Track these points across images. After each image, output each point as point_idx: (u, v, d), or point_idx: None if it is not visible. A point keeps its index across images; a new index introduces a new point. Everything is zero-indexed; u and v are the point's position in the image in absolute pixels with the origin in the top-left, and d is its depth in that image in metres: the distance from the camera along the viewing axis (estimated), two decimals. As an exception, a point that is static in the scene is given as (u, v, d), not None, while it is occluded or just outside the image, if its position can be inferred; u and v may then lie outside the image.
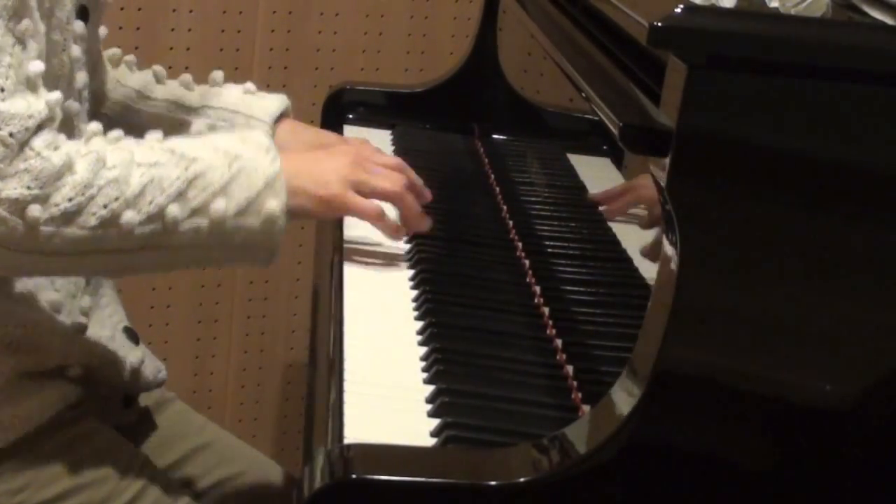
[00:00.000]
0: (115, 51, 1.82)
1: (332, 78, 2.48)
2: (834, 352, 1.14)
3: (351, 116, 2.21)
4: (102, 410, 1.61)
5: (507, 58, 2.19)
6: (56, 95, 1.41)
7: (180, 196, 1.40)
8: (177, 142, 1.46)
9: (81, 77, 1.55)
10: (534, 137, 2.07)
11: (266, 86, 2.52)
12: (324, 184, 1.51)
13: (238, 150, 1.45)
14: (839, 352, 1.14)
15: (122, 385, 1.63)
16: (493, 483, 1.13)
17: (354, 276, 1.58)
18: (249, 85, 1.83)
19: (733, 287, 1.12)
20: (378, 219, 1.56)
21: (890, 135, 1.10)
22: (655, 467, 1.15)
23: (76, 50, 1.51)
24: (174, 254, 1.43)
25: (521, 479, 1.13)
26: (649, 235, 1.39)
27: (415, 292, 1.55)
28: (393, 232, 1.61)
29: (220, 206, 1.41)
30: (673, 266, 1.11)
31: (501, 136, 2.16)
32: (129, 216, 1.38)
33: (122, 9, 2.39)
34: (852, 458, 1.16)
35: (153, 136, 1.48)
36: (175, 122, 1.78)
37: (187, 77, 1.82)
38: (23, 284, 1.50)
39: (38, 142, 1.36)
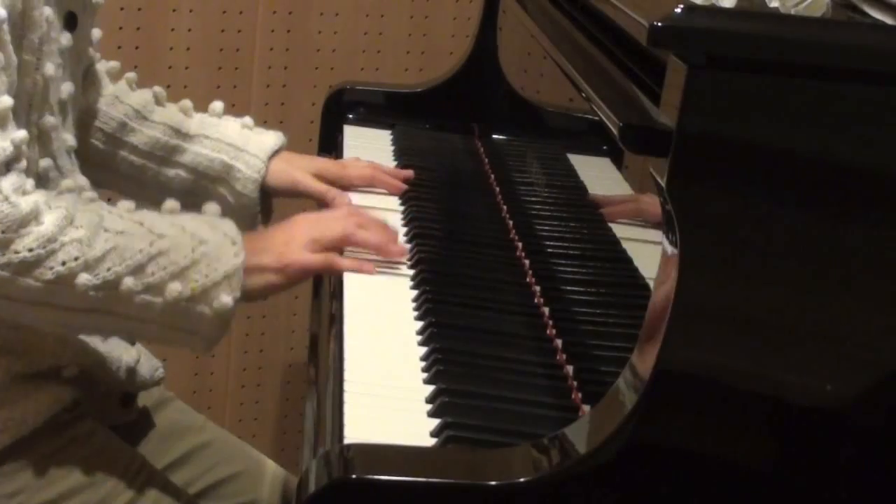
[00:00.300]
0: (115, 65, 1.82)
1: (332, 78, 2.48)
2: (834, 352, 1.14)
3: (351, 116, 2.21)
4: (100, 410, 1.61)
5: (507, 58, 2.19)
6: (21, 134, 1.40)
7: (139, 269, 1.41)
8: (147, 215, 1.47)
9: (66, 87, 1.54)
10: (534, 137, 2.07)
11: (266, 86, 2.54)
12: (280, 255, 1.52)
13: (205, 235, 1.45)
14: (839, 352, 1.14)
15: (119, 384, 1.63)
16: (493, 483, 1.13)
17: (354, 276, 1.58)
18: (248, 119, 1.85)
19: (733, 287, 1.12)
20: (330, 268, 1.57)
21: (890, 135, 1.10)
22: (655, 467, 1.15)
23: (50, 68, 1.49)
24: (120, 322, 1.44)
25: (521, 479, 1.13)
26: (650, 236, 1.39)
27: (415, 292, 1.55)
28: (398, 255, 1.62)
29: (176, 287, 1.42)
30: (673, 266, 1.11)
31: (501, 136, 2.16)
32: (85, 279, 1.38)
33: (121, 9, 2.40)
34: (852, 458, 1.16)
35: (125, 205, 1.48)
36: (169, 147, 1.79)
37: (187, 103, 1.84)
38: None
39: (6, 184, 1.36)
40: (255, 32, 2.52)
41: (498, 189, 1.93)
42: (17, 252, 1.36)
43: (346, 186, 1.86)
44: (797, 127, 1.10)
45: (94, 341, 1.58)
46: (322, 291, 1.65)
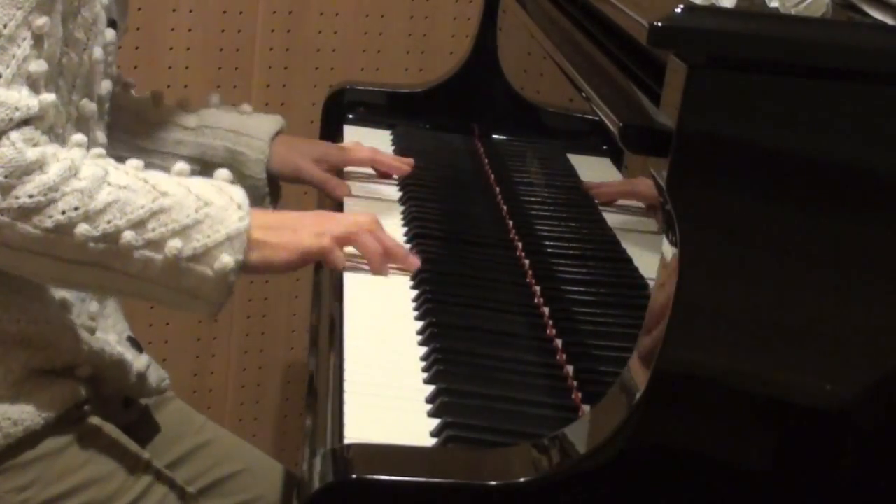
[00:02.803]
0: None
1: (332, 78, 2.48)
2: (834, 351, 1.14)
3: (351, 116, 2.21)
4: (103, 410, 1.61)
5: (507, 58, 2.19)
6: (51, 97, 1.42)
7: (140, 224, 1.40)
8: (153, 174, 1.46)
9: (105, 85, 1.57)
10: (534, 137, 2.07)
11: (266, 86, 2.54)
12: (286, 236, 1.51)
13: (211, 197, 1.45)
14: (839, 351, 1.14)
15: (126, 388, 1.63)
16: (493, 483, 1.13)
17: (354, 276, 1.58)
18: (246, 106, 1.87)
19: (733, 287, 1.12)
20: (326, 256, 1.55)
21: (890, 135, 1.10)
22: (655, 467, 1.15)
23: (98, 52, 1.53)
24: (121, 280, 1.43)
25: (521, 479, 1.13)
26: (649, 238, 1.39)
27: (415, 292, 1.55)
28: (410, 266, 1.59)
29: (176, 245, 1.41)
30: (673, 266, 1.11)
31: (501, 136, 2.16)
32: (84, 229, 1.38)
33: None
34: (853, 457, 1.16)
35: (133, 163, 1.48)
36: (171, 142, 1.81)
37: (186, 98, 1.86)
38: (35, 282, 1.50)
39: (16, 134, 1.37)
40: (255, 32, 2.52)
41: (498, 189, 1.93)
42: (17, 197, 1.37)
43: (347, 164, 1.90)
44: (797, 127, 1.10)
45: (110, 343, 1.58)
46: (322, 291, 1.65)
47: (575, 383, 1.37)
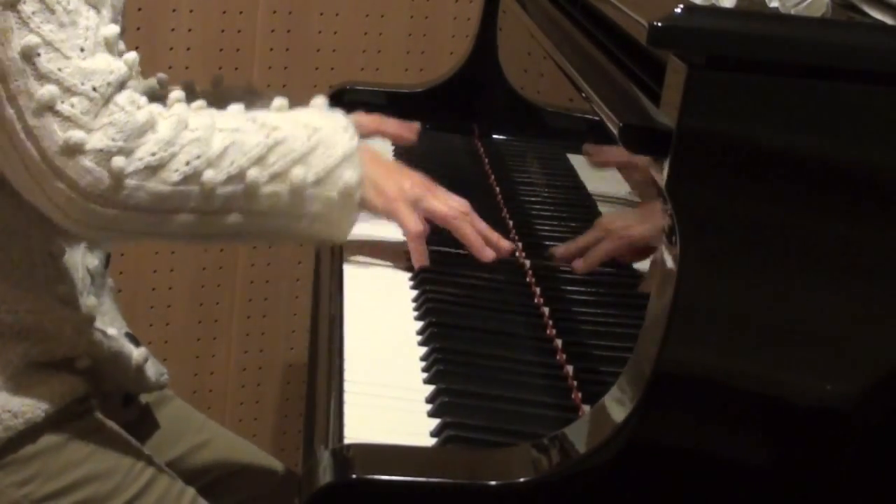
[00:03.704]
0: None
1: (332, 78, 2.48)
2: (834, 351, 1.14)
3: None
4: (104, 408, 1.61)
5: (507, 58, 2.19)
6: (133, 55, 1.47)
7: (261, 160, 1.45)
8: (258, 113, 1.51)
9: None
10: (534, 137, 2.07)
11: (266, 86, 2.54)
12: (389, 183, 1.55)
13: (318, 123, 1.51)
14: (839, 351, 1.14)
15: (125, 382, 1.64)
16: (493, 483, 1.13)
17: (354, 276, 1.58)
18: (249, 85, 1.89)
19: (733, 287, 1.12)
20: (415, 237, 1.57)
21: (890, 135, 1.10)
22: (655, 467, 1.15)
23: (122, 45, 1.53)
24: (255, 220, 1.47)
25: (521, 479, 1.13)
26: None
27: (415, 292, 1.55)
28: (419, 259, 1.60)
29: (299, 173, 1.46)
30: (673, 266, 1.11)
31: (501, 136, 2.16)
32: (211, 175, 1.42)
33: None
34: (853, 457, 1.16)
35: (235, 108, 1.53)
36: None
37: (190, 82, 1.86)
38: (33, 274, 1.52)
39: (122, 98, 1.41)
40: (255, 32, 2.52)
41: (498, 189, 1.93)
42: (140, 158, 1.40)
43: None
44: (797, 127, 1.10)
45: (108, 335, 1.59)
46: (322, 291, 1.65)
47: (575, 383, 1.37)
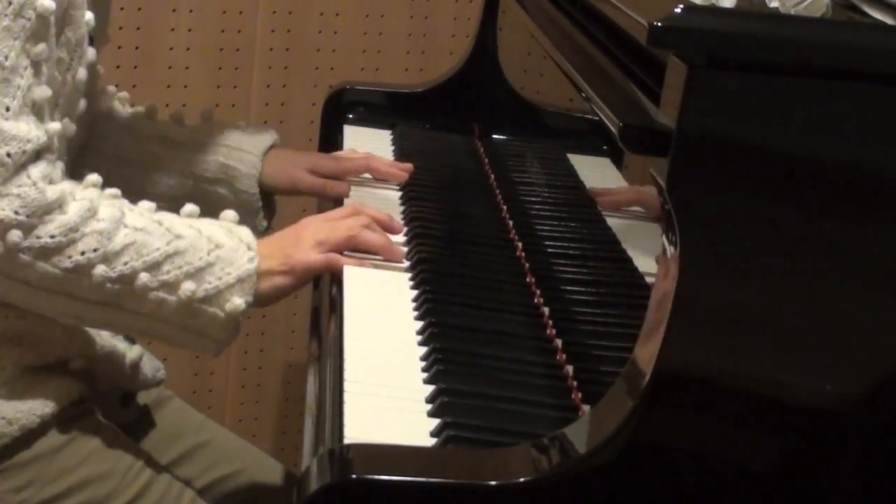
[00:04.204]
0: (111, 88, 1.86)
1: (332, 78, 2.48)
2: (834, 352, 1.14)
3: (351, 116, 2.21)
4: (101, 409, 1.61)
5: (507, 58, 2.19)
6: (56, 126, 1.45)
7: (155, 267, 1.44)
8: (166, 216, 1.50)
9: (82, 104, 1.58)
10: (534, 137, 2.07)
11: (266, 86, 2.54)
12: (287, 257, 1.54)
13: (221, 239, 1.49)
14: (839, 352, 1.14)
15: (121, 381, 1.64)
16: (493, 483, 1.13)
17: (354, 276, 1.58)
18: (240, 122, 1.88)
19: (733, 287, 1.12)
20: (332, 268, 1.58)
21: (890, 135, 1.10)
22: (655, 467, 1.15)
23: (82, 73, 1.54)
24: (133, 319, 1.47)
25: (521, 479, 1.13)
26: (650, 237, 1.39)
27: (415, 292, 1.55)
28: (395, 257, 1.63)
29: (189, 287, 1.45)
30: (673, 266, 1.11)
31: (501, 136, 2.16)
32: (102, 270, 1.42)
33: (121, 9, 2.39)
34: (852, 457, 1.16)
35: (146, 205, 1.51)
36: (164, 157, 1.82)
37: (179, 112, 1.87)
38: None
39: (36, 172, 1.40)
40: (255, 32, 2.52)
41: (498, 189, 1.93)
42: (38, 237, 1.40)
43: (342, 178, 1.88)
44: (797, 127, 1.10)
45: (101, 334, 1.59)
46: (322, 291, 1.65)
47: (575, 383, 1.37)
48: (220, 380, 2.67)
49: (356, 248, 1.60)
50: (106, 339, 1.60)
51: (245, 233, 1.51)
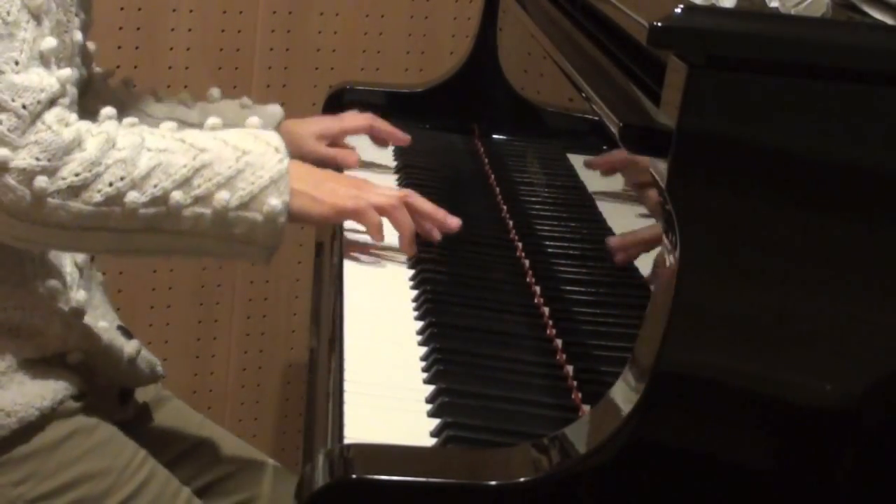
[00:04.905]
0: (104, 69, 1.86)
1: (332, 78, 2.48)
2: (834, 351, 1.14)
3: (351, 116, 2.20)
4: (100, 406, 1.61)
5: (507, 58, 2.18)
6: (67, 72, 1.46)
7: (185, 183, 1.44)
8: (188, 132, 1.50)
9: (74, 73, 1.57)
10: (534, 137, 2.07)
11: (266, 86, 2.54)
12: (324, 190, 1.54)
13: (248, 146, 1.49)
14: (839, 351, 1.14)
15: (119, 376, 1.64)
16: (493, 483, 1.13)
17: (354, 276, 1.58)
18: (245, 99, 1.89)
19: (733, 287, 1.12)
20: (361, 216, 1.57)
21: (890, 135, 1.10)
22: (655, 467, 1.15)
23: (78, 35, 1.55)
24: (175, 239, 1.47)
25: (521, 479, 1.13)
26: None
27: (415, 292, 1.55)
28: (375, 234, 1.62)
29: (223, 196, 1.45)
30: (673, 266, 1.11)
31: (501, 136, 2.16)
32: (134, 196, 1.42)
33: (121, 9, 2.40)
34: (853, 457, 1.16)
35: (167, 126, 1.52)
36: None
37: (185, 95, 1.88)
38: (20, 271, 1.52)
39: (50, 116, 1.41)
40: (255, 32, 2.52)
41: (498, 189, 1.93)
42: (63, 178, 1.41)
43: (345, 135, 1.92)
44: (797, 127, 1.10)
45: (99, 328, 1.60)
46: (322, 291, 1.65)
47: (575, 383, 1.37)
48: (220, 380, 2.67)
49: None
50: (104, 333, 1.60)
51: (272, 136, 1.52)
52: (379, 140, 1.98)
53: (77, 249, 1.50)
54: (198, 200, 1.45)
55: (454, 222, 1.62)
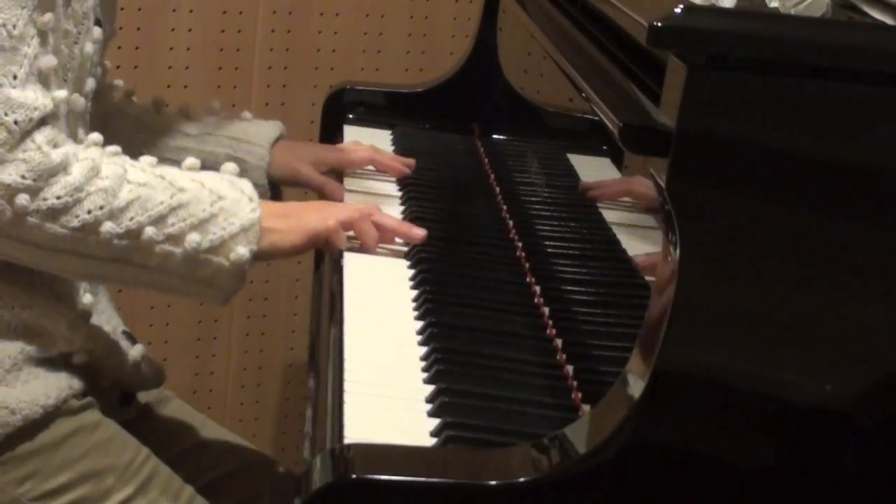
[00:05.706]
0: (117, 83, 1.87)
1: (332, 78, 2.48)
2: (834, 352, 1.14)
3: (351, 116, 2.21)
4: (102, 406, 1.61)
5: (507, 58, 2.19)
6: (63, 94, 1.48)
7: (161, 220, 1.46)
8: (168, 170, 1.52)
9: (90, 83, 1.60)
10: (534, 137, 2.07)
11: (266, 86, 2.54)
12: (291, 222, 1.56)
13: (223, 191, 1.51)
14: (839, 352, 1.14)
15: (122, 379, 1.65)
16: (493, 483, 1.13)
17: (354, 276, 1.58)
18: (246, 113, 1.91)
19: (733, 287, 1.12)
20: (332, 236, 1.59)
21: (890, 135, 1.10)
22: (655, 467, 1.15)
23: (89, 47, 1.55)
24: (140, 273, 1.49)
25: (521, 479, 1.13)
26: (649, 237, 1.39)
27: (415, 292, 1.55)
28: (413, 237, 1.65)
29: (194, 238, 1.47)
30: (673, 266, 1.11)
31: (501, 136, 2.16)
32: (109, 227, 1.44)
33: (122, 9, 2.39)
34: (852, 457, 1.16)
35: (147, 160, 1.54)
36: (174, 149, 1.84)
37: (186, 106, 1.89)
38: (29, 272, 1.53)
39: (40, 136, 1.42)
40: (255, 32, 2.52)
41: (498, 189, 1.93)
42: (45, 199, 1.42)
43: (345, 169, 1.93)
44: (797, 127, 1.10)
45: (104, 331, 1.61)
46: (322, 291, 1.65)
47: (575, 383, 1.37)
48: (220, 380, 2.67)
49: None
50: (109, 335, 1.61)
51: (246, 185, 1.54)
52: (380, 170, 1.97)
53: (42, 268, 1.51)
54: (169, 238, 1.47)
55: (419, 234, 1.65)
